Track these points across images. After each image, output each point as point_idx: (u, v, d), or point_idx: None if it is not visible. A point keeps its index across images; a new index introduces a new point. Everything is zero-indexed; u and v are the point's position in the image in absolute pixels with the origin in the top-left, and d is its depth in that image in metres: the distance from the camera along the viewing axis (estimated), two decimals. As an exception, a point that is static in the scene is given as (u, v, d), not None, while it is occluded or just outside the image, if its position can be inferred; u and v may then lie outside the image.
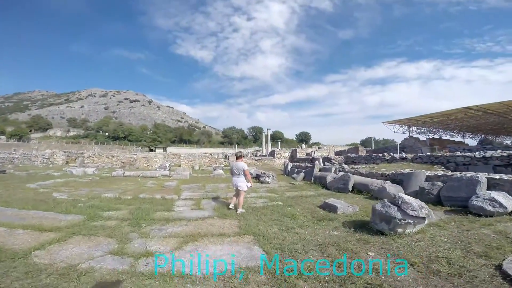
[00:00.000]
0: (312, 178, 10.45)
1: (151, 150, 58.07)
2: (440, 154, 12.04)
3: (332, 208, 5.28)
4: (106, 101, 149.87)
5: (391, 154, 13.91)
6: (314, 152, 22.51)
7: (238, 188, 5.46)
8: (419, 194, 6.13)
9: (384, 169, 9.39)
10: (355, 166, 12.08)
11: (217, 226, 4.24)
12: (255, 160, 22.06)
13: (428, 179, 6.72)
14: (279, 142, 54.73)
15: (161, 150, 58.10)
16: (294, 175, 12.20)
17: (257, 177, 12.01)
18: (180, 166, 20.75)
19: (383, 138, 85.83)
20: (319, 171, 11.00)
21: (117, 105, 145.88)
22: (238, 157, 5.95)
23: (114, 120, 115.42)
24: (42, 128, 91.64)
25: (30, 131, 79.39)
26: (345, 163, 15.06)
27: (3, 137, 62.16)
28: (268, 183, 9.71)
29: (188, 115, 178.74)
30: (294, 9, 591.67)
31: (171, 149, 64.49)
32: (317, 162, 12.73)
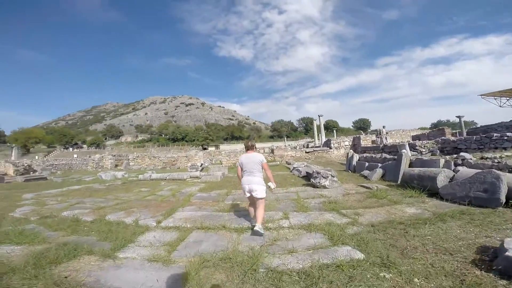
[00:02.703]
0: (400, 177, 6.47)
1: (204, 149, 59.48)
2: None
3: None
4: (165, 107, 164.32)
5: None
6: (386, 138, 17.39)
7: (254, 194, 3.54)
8: None
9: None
10: (464, 155, 7.29)
11: None
12: (306, 152, 18.31)
13: None
14: (334, 131, 48.85)
15: (213, 148, 59.06)
16: (365, 172, 8.26)
17: (306, 177, 8.50)
18: (221, 163, 18.61)
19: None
20: (409, 166, 6.88)
21: (175, 109, 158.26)
22: (250, 147, 3.90)
23: (173, 123, 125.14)
24: (115, 136, 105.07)
25: (105, 139, 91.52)
26: (441, 151, 10.17)
27: (84, 145, 72.62)
28: (325, 187, 6.18)
29: (238, 113, 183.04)
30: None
31: (223, 146, 65.17)
32: (404, 151, 8.40)
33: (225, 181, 9.22)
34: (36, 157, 43.92)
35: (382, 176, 7.63)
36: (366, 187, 6.22)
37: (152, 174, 11.68)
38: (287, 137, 72.26)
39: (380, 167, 7.99)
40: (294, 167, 11.27)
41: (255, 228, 3.32)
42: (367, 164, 9.05)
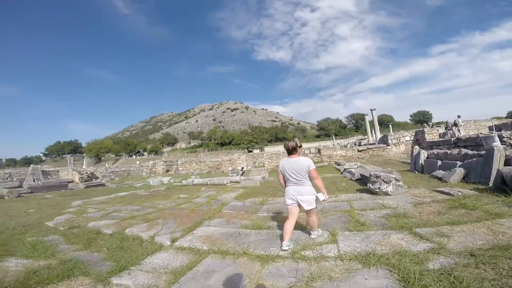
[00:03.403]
0: (492, 179, 4.79)
1: (250, 151, 60.23)
2: None
3: None
4: (213, 113, 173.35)
5: None
6: (459, 131, 14.25)
7: (304, 205, 2.86)
8: None
9: None
10: None
11: None
12: (359, 151, 16.30)
13: None
14: (390, 126, 43.90)
15: (258, 151, 59.41)
16: (438, 173, 6.51)
17: (361, 181, 7.15)
18: (264, 166, 17.96)
19: None
20: (505, 162, 5.04)
21: (222, 115, 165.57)
22: (292, 150, 3.03)
23: (220, 128, 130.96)
24: (171, 143, 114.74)
25: (163, 146, 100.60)
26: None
27: (145, 153, 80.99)
28: (387, 194, 4.84)
29: (282, 114, 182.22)
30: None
31: (268, 148, 64.95)
32: (495, 144, 6.35)
33: (264, 186, 8.44)
34: (106, 165, 50.49)
35: (464, 177, 5.84)
36: (445, 193, 4.67)
37: (194, 179, 11.66)
38: (336, 135, 67.99)
39: (459, 166, 6.16)
40: (345, 169, 9.86)
41: (311, 236, 3.01)
42: (439, 162, 7.18)
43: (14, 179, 14.86)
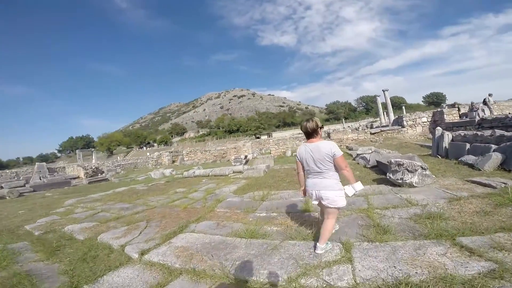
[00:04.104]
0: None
1: (258, 138, 59.49)
2: None
3: None
4: (220, 101, 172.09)
5: None
6: (483, 111, 12.87)
7: (325, 203, 2.31)
8: None
9: None
10: None
11: None
12: (371, 134, 15.22)
13: None
14: (403, 108, 41.96)
15: (265, 137, 58.60)
16: (468, 158, 5.59)
17: (377, 168, 6.33)
18: (270, 153, 17.23)
19: None
20: None
21: (229, 102, 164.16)
22: (312, 132, 2.41)
23: (228, 116, 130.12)
24: (180, 133, 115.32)
25: (172, 136, 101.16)
26: None
27: (155, 144, 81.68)
28: (411, 185, 4.01)
29: (289, 99, 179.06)
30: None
31: (276, 134, 63.90)
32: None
33: (268, 176, 7.73)
34: (118, 158, 51.10)
35: (500, 164, 4.91)
36: (484, 184, 3.81)
37: (196, 170, 11.10)
38: (345, 118, 66.13)
39: (494, 150, 5.21)
40: (358, 154, 8.95)
41: (316, 251, 2.29)
42: (467, 146, 6.21)
43: (21, 178, 14.82)
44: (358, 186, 2.30)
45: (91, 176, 14.89)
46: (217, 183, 7.99)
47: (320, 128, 2.41)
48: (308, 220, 3.25)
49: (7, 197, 9.83)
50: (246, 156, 13.48)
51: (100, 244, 3.26)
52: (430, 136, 15.24)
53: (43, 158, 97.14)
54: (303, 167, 2.48)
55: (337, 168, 2.32)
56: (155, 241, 3.07)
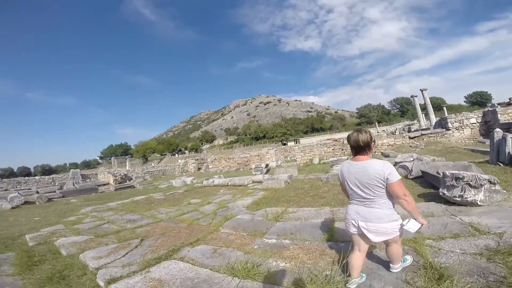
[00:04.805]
0: None
1: (284, 144, 58.37)
2: None
3: None
4: (247, 109, 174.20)
5: None
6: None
7: (370, 236, 1.78)
8: None
9: None
10: None
11: None
12: (410, 138, 13.55)
13: None
14: (444, 109, 38.05)
15: (292, 143, 57.21)
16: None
17: (422, 179, 5.27)
18: (295, 161, 16.31)
19: None
20: None
21: (255, 109, 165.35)
22: (364, 146, 1.78)
23: (255, 122, 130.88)
24: (209, 140, 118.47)
25: (202, 144, 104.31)
26: None
27: (186, 151, 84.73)
28: (475, 204, 2.98)
29: (317, 104, 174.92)
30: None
31: (303, 140, 62.11)
32: None
33: (290, 188, 6.96)
34: (152, 164, 53.65)
35: None
36: None
37: (216, 179, 10.70)
38: (379, 122, 61.95)
39: None
40: (396, 162, 7.67)
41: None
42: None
43: (56, 184, 15.89)
44: (421, 221, 1.74)
45: (119, 183, 15.39)
46: (233, 194, 7.45)
47: (373, 142, 1.85)
48: (329, 253, 2.48)
49: (36, 202, 10.35)
50: (267, 165, 12.78)
51: (78, 263, 2.95)
52: (481, 139, 13.13)
53: (87, 163, 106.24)
54: (345, 188, 1.98)
55: (390, 195, 1.76)
56: (133, 267, 2.60)
